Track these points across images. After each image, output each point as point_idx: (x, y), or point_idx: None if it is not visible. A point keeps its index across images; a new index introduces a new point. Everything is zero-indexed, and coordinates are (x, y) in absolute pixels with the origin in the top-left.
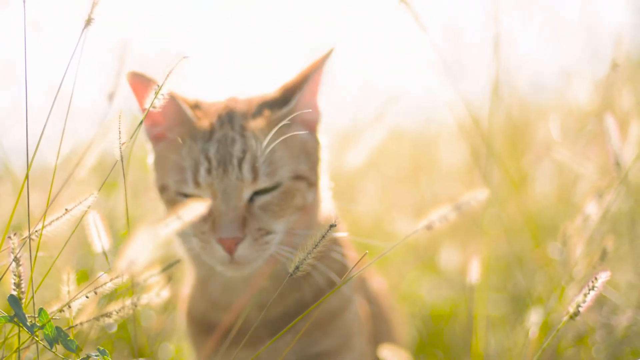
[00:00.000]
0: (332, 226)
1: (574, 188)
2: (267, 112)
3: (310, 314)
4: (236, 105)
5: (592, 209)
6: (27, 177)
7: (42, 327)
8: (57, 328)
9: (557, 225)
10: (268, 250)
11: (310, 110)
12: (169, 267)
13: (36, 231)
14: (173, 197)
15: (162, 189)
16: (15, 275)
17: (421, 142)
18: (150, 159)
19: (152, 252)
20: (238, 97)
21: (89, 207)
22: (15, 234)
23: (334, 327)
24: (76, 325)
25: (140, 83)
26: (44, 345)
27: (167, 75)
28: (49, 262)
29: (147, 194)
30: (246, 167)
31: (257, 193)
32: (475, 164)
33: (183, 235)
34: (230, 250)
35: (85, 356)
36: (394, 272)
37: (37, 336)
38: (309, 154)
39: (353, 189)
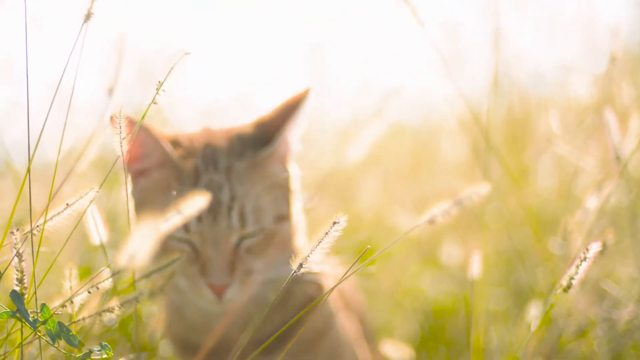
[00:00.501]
0: (335, 223)
1: (574, 182)
2: (249, 152)
3: (296, 332)
4: (216, 141)
5: (592, 203)
6: (28, 171)
7: (44, 323)
8: (60, 323)
9: (558, 220)
10: (252, 288)
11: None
12: (172, 263)
13: (38, 226)
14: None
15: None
16: (17, 270)
17: (421, 138)
18: (129, 188)
19: (153, 247)
20: (213, 129)
21: (90, 201)
22: (17, 229)
23: (322, 346)
24: (78, 320)
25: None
26: (46, 340)
27: (169, 72)
28: (51, 258)
29: None
30: (235, 215)
31: (245, 237)
32: (475, 159)
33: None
34: (219, 294)
35: (87, 351)
36: (396, 267)
37: (39, 331)
38: (285, 190)
39: (354, 184)
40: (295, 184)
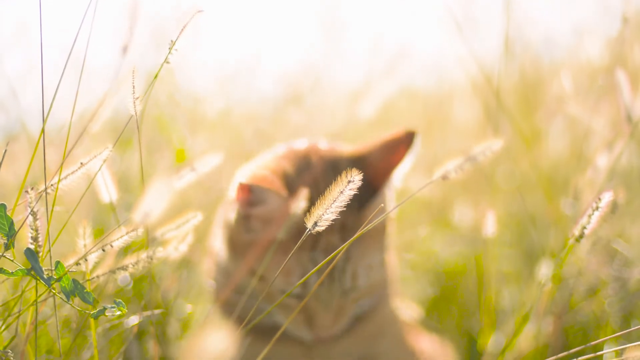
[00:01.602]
0: (349, 182)
1: (586, 143)
2: (355, 204)
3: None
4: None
5: (602, 162)
6: (42, 131)
7: (58, 280)
8: (74, 281)
9: (570, 180)
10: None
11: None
12: (188, 222)
13: (52, 185)
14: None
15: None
16: (32, 229)
17: (433, 101)
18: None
19: (167, 204)
20: (321, 151)
21: (103, 160)
22: (32, 188)
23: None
24: (92, 278)
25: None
26: (60, 297)
27: (181, 31)
28: (65, 218)
29: (161, 152)
30: (348, 276)
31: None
32: (487, 121)
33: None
34: (317, 340)
35: (101, 308)
36: (408, 228)
37: (54, 289)
38: (384, 233)
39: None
40: (390, 225)
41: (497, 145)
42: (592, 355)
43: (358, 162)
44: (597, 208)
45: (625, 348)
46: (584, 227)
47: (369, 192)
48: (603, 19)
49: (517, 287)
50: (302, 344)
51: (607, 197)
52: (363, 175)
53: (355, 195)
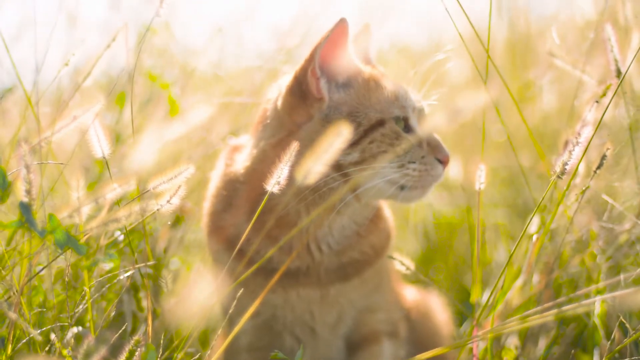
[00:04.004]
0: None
1: (576, 97)
2: None
3: (377, 261)
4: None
5: (591, 115)
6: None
7: (52, 232)
8: (67, 233)
9: (560, 135)
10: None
11: None
12: (180, 175)
13: (45, 138)
14: (393, 129)
15: (376, 126)
16: (26, 182)
17: (425, 57)
18: (321, 115)
19: (161, 156)
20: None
21: (96, 114)
22: (25, 141)
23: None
24: (86, 231)
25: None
26: (55, 248)
27: None
28: (58, 172)
29: (154, 105)
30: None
31: None
32: (479, 78)
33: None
34: (445, 166)
35: (95, 259)
36: None
37: (47, 241)
38: None
39: None
40: None
41: (482, 98)
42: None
43: None
44: (577, 143)
45: (614, 297)
46: (565, 164)
47: None
48: None
49: (509, 239)
50: (318, 288)
51: (586, 133)
52: None
53: None
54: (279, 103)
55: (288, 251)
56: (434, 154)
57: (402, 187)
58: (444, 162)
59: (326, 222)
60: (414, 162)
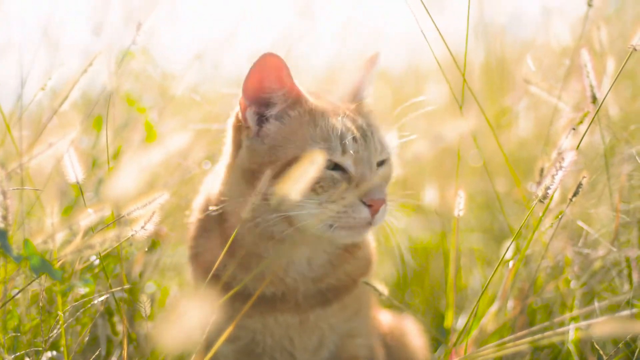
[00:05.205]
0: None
1: (552, 124)
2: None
3: (356, 287)
4: (329, 96)
5: (567, 143)
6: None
7: (28, 258)
8: (42, 259)
9: (536, 161)
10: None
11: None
12: (155, 201)
13: (22, 165)
14: None
15: (289, 162)
16: (2, 208)
17: (404, 83)
18: (248, 143)
19: (137, 183)
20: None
21: (71, 141)
22: (2, 167)
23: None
24: (60, 257)
25: (271, 65)
26: (30, 272)
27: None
28: (34, 197)
29: (131, 130)
30: (376, 139)
31: (378, 165)
32: (456, 105)
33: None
34: (376, 212)
35: (70, 284)
36: None
37: (22, 266)
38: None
39: None
40: None
41: (462, 126)
42: (552, 332)
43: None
44: (560, 168)
45: (589, 325)
46: (548, 188)
47: None
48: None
49: (488, 266)
50: (297, 314)
51: (569, 157)
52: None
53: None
54: (230, 128)
55: (261, 278)
56: (361, 196)
57: (330, 226)
58: (370, 205)
59: (285, 252)
60: (333, 203)
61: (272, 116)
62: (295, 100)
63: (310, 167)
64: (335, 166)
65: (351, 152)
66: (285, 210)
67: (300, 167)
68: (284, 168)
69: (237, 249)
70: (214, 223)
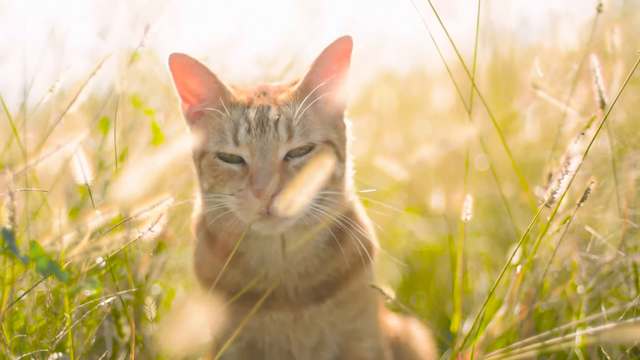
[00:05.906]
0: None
1: (560, 128)
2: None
3: (347, 283)
4: (268, 86)
5: (577, 147)
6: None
7: (35, 259)
8: (50, 260)
9: (544, 165)
10: (300, 209)
11: (330, 89)
12: (162, 203)
13: (29, 166)
14: (212, 161)
15: (202, 156)
16: (9, 209)
17: (411, 85)
18: (190, 139)
19: (143, 185)
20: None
21: (79, 143)
22: (10, 168)
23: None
24: (67, 258)
25: (182, 64)
26: (36, 274)
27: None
28: (42, 199)
29: (139, 132)
30: (282, 127)
31: (293, 154)
32: (463, 109)
33: (217, 201)
34: (268, 205)
35: (77, 286)
36: (388, 210)
37: (29, 267)
38: (339, 129)
39: None
40: (349, 135)
41: (470, 130)
42: (560, 339)
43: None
44: (566, 172)
45: (597, 332)
46: (554, 192)
47: None
48: (578, 3)
49: (491, 269)
50: (290, 312)
51: (575, 162)
52: None
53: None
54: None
55: (250, 275)
56: (251, 187)
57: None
58: (255, 194)
59: (255, 247)
60: (232, 195)
61: (199, 112)
62: (218, 95)
63: (210, 162)
64: (234, 158)
65: (244, 143)
66: (218, 204)
67: (204, 162)
68: (199, 164)
69: (225, 251)
70: (204, 228)
